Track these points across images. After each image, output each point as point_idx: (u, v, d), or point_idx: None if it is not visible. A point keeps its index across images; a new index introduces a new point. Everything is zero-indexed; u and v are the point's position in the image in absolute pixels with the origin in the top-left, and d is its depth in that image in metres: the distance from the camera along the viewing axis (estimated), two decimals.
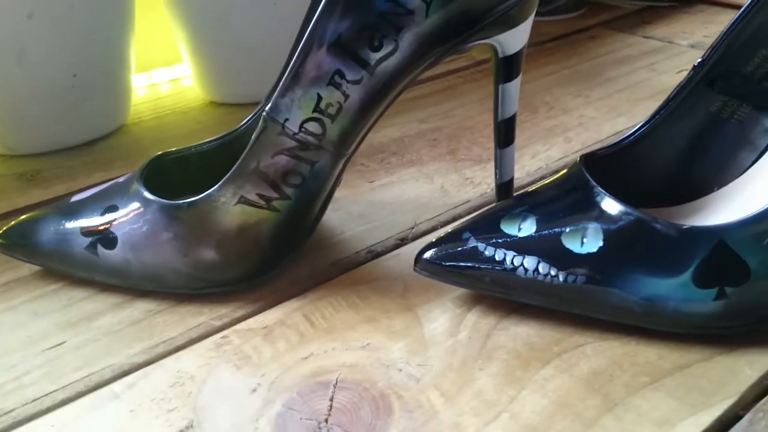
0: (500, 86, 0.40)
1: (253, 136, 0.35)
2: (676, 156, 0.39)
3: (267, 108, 0.35)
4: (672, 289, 0.32)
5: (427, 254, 0.36)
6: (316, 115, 0.35)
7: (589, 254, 0.33)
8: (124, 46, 0.56)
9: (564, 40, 0.75)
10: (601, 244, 0.33)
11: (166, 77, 0.69)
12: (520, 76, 0.40)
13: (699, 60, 0.37)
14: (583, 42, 0.75)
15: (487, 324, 0.35)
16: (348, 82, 0.34)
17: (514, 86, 0.40)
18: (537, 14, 0.82)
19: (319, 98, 0.34)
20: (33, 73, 0.50)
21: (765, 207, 0.31)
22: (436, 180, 0.49)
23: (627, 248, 0.32)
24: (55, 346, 0.35)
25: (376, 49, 0.34)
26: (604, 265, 0.33)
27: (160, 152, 0.41)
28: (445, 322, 0.36)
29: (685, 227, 0.32)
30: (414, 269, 0.36)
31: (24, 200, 0.49)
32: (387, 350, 0.34)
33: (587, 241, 0.33)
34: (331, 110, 0.35)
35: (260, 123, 0.35)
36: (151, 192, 0.38)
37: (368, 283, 0.39)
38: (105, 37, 0.54)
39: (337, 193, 0.47)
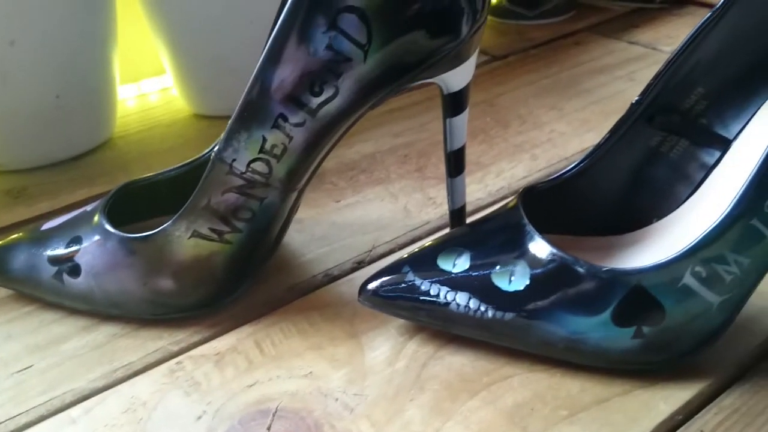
0: (447, 120, 0.41)
1: (203, 176, 0.37)
2: (617, 188, 0.40)
3: (215, 149, 0.37)
4: (592, 327, 0.33)
5: (370, 286, 0.38)
6: (261, 155, 0.36)
7: (516, 292, 0.35)
8: (107, 63, 0.58)
9: (548, 46, 0.76)
10: (527, 282, 0.34)
11: (155, 87, 0.71)
12: (467, 109, 0.42)
13: (637, 98, 0.39)
14: (566, 48, 0.75)
15: (425, 353, 0.37)
16: (291, 125, 0.36)
17: (461, 120, 0.41)
18: (526, 18, 0.83)
19: (264, 140, 0.36)
20: (16, 95, 0.53)
21: (679, 252, 0.32)
22: (400, 199, 0.51)
23: (551, 288, 0.34)
24: (23, 370, 0.38)
25: (317, 95, 0.35)
26: (530, 303, 0.34)
27: (126, 181, 0.43)
28: (386, 350, 0.38)
29: (604, 269, 0.33)
30: (358, 300, 0.38)
31: (10, 218, 0.51)
32: (328, 379, 0.36)
33: (515, 280, 0.35)
34: (277, 151, 0.36)
35: (209, 163, 0.37)
36: (120, 218, 0.41)
37: (320, 309, 0.41)
38: (87, 58, 0.56)
39: (303, 214, 0.50)
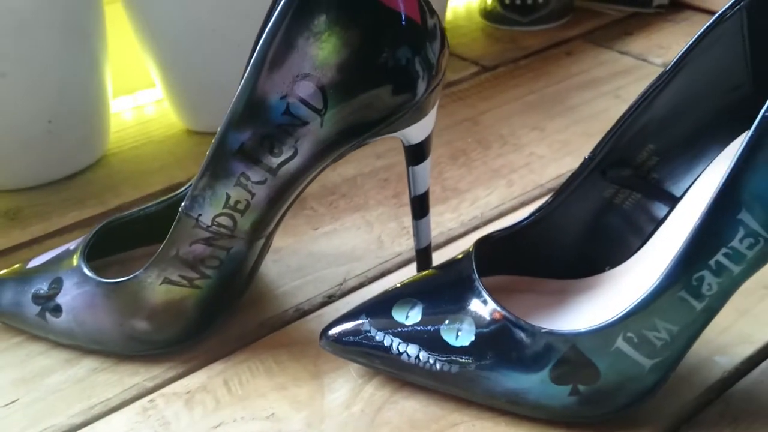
0: (410, 168, 0.43)
1: (172, 227, 0.39)
2: (572, 237, 0.42)
3: (182, 205, 0.39)
4: (532, 383, 0.35)
5: (330, 332, 0.40)
6: (226, 210, 0.38)
7: (462, 347, 0.37)
8: (99, 86, 0.60)
9: (539, 56, 0.77)
10: (472, 339, 0.36)
11: (150, 98, 0.73)
12: (430, 157, 0.43)
13: (589, 154, 0.40)
14: (557, 59, 0.76)
15: (381, 397, 0.39)
16: (253, 182, 0.38)
17: (424, 168, 0.43)
18: (520, 24, 0.84)
19: (228, 197, 0.38)
20: (8, 122, 0.55)
21: (612, 319, 0.34)
22: (375, 228, 0.53)
23: (494, 346, 0.36)
24: (8, 404, 0.41)
25: (277, 155, 0.37)
26: (475, 358, 0.36)
27: (106, 221, 0.45)
28: (345, 393, 0.40)
29: (543, 331, 0.35)
30: (319, 344, 0.40)
31: (5, 242, 0.54)
32: (288, 421, 0.38)
33: (461, 336, 0.37)
34: (240, 206, 0.38)
35: (177, 216, 0.39)
36: (101, 250, 0.43)
37: (288, 346, 0.43)
38: (78, 84, 0.58)
39: (282, 242, 0.52)
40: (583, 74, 0.73)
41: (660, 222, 0.40)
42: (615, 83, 0.70)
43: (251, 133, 0.37)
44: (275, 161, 0.37)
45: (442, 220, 0.53)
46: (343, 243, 0.52)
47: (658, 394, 0.37)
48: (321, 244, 0.52)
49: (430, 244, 0.46)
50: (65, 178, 0.61)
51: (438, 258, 0.48)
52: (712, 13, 0.36)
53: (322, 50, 0.35)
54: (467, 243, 0.43)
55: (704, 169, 0.39)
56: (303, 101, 0.36)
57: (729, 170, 0.31)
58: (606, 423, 0.36)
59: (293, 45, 0.35)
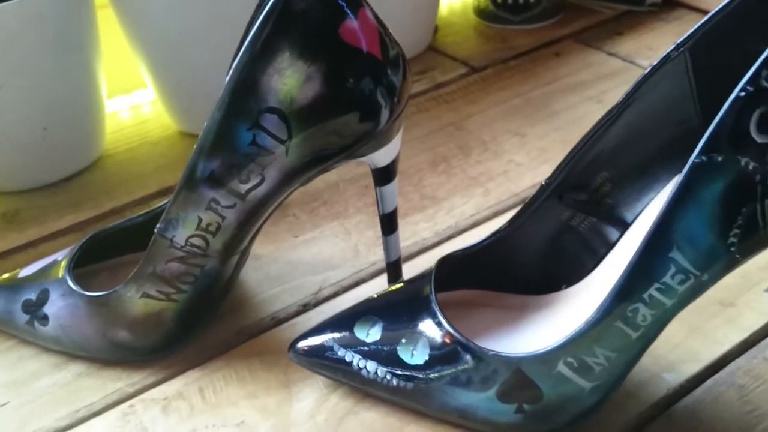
0: (378, 188, 0.45)
1: (148, 247, 0.42)
2: (531, 256, 0.44)
3: (157, 227, 0.41)
4: (481, 401, 0.38)
5: (298, 345, 0.42)
6: (198, 232, 0.41)
7: (416, 365, 0.39)
8: (94, 92, 0.62)
9: (528, 57, 0.78)
10: (426, 358, 0.39)
11: (147, 98, 0.75)
12: (396, 178, 0.45)
13: (546, 179, 0.42)
14: (545, 60, 0.77)
15: (344, 407, 0.42)
16: (223, 207, 0.40)
17: (391, 188, 0.45)
18: (512, 23, 0.85)
19: (200, 220, 0.40)
20: (3, 131, 0.57)
21: (554, 345, 0.36)
22: (353, 237, 0.55)
23: (445, 365, 0.38)
24: (1, 406, 0.44)
25: (245, 182, 0.39)
26: (428, 376, 0.39)
27: (93, 232, 0.48)
28: (311, 402, 0.42)
29: (491, 354, 0.37)
30: (288, 356, 0.43)
31: (2, 245, 0.57)
32: (256, 429, 0.41)
33: (416, 354, 0.39)
34: (212, 228, 0.41)
35: (153, 237, 0.41)
36: (89, 258, 0.46)
37: (262, 355, 0.46)
38: (73, 92, 0.60)
39: (262, 249, 0.54)
40: (570, 77, 0.74)
41: (612, 245, 0.42)
42: (600, 87, 0.72)
43: (220, 161, 0.39)
44: (243, 187, 0.40)
45: (417, 229, 0.55)
46: (321, 251, 0.54)
47: (603, 409, 0.39)
48: (300, 251, 0.54)
49: (399, 258, 0.48)
50: (61, 181, 0.63)
51: (410, 268, 0.50)
52: (705, 12, 0.37)
53: (285, 85, 0.37)
54: (440, 253, 0.45)
55: (654, 197, 0.41)
56: (268, 132, 0.38)
57: (661, 211, 0.33)
58: None
59: (258, 81, 0.37)
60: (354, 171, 0.62)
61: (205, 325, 0.47)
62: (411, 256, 0.53)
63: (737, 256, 0.33)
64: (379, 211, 0.46)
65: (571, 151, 0.41)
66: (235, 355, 0.46)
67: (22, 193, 0.62)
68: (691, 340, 0.44)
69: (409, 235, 0.55)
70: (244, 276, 0.52)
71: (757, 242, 0.33)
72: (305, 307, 0.49)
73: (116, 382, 0.45)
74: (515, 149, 0.63)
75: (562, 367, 0.36)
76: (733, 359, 0.43)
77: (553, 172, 0.41)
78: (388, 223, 0.46)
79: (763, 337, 0.44)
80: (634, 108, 0.39)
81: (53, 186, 0.63)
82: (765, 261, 0.49)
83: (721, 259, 0.33)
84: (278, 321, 0.48)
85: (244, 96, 0.37)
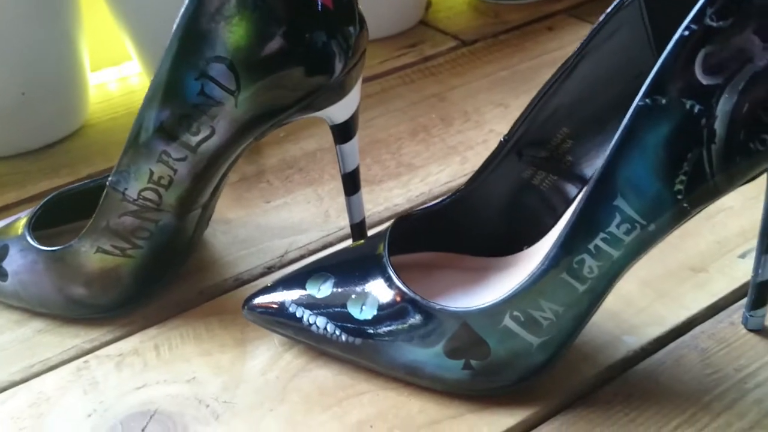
0: (338, 146, 0.44)
1: (101, 200, 0.41)
2: (492, 216, 0.43)
3: (109, 179, 0.41)
4: (428, 357, 0.37)
5: (252, 302, 0.42)
6: (150, 185, 0.40)
7: (365, 320, 0.38)
8: (74, 58, 0.62)
9: (520, 31, 0.77)
10: (375, 313, 0.38)
11: (136, 70, 0.75)
12: (357, 135, 0.44)
13: (505, 135, 0.41)
14: (536, 34, 0.76)
15: (296, 365, 0.41)
16: (174, 159, 0.40)
17: (351, 146, 0.44)
18: None
19: (151, 172, 0.40)
20: None
21: (499, 298, 0.35)
22: (324, 203, 0.54)
23: (393, 320, 0.37)
24: None
25: (195, 134, 0.39)
26: (376, 332, 0.38)
27: (55, 192, 0.48)
28: (264, 360, 0.42)
29: (437, 308, 0.36)
30: (242, 313, 0.42)
31: None
32: (207, 385, 0.41)
33: (365, 310, 0.38)
34: (164, 182, 0.40)
35: (105, 190, 0.41)
36: (52, 220, 0.46)
37: (220, 314, 0.45)
38: (52, 55, 0.60)
39: (233, 214, 0.54)
40: (560, 50, 0.72)
41: (572, 202, 0.41)
42: None
43: (169, 112, 0.38)
44: (194, 140, 0.39)
45: (390, 195, 0.55)
46: (291, 216, 0.53)
47: (559, 370, 0.39)
48: (270, 216, 0.54)
49: (364, 220, 0.48)
50: (43, 148, 0.63)
51: None
52: None
53: (233, 33, 0.37)
54: None
55: None
56: (216, 82, 0.38)
57: (605, 158, 0.32)
58: (504, 395, 0.38)
59: (206, 28, 0.36)
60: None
61: (166, 284, 0.47)
62: (381, 221, 0.52)
63: (685, 205, 0.32)
64: (341, 171, 0.45)
65: (528, 106, 0.39)
66: (194, 314, 0.46)
67: (5, 159, 0.62)
68: (657, 304, 0.43)
69: (381, 201, 0.54)
70: (211, 239, 0.51)
71: (706, 192, 0.32)
72: (270, 270, 0.49)
73: (74, 338, 0.45)
74: (497, 119, 0.62)
75: (508, 321, 0.35)
76: (699, 323, 0.42)
77: (511, 128, 0.40)
78: (351, 183, 0.46)
79: (732, 302, 0.43)
80: (591, 59, 0.37)
81: (35, 152, 0.63)
82: (742, 227, 0.48)
83: (667, 208, 0.32)
84: (241, 282, 0.48)
85: (191, 44, 0.37)
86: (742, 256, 0.46)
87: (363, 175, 0.57)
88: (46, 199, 0.47)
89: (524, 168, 0.42)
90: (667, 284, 0.44)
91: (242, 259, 0.50)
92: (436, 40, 0.76)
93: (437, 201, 0.43)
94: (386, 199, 0.54)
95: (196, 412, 0.39)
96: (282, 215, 0.54)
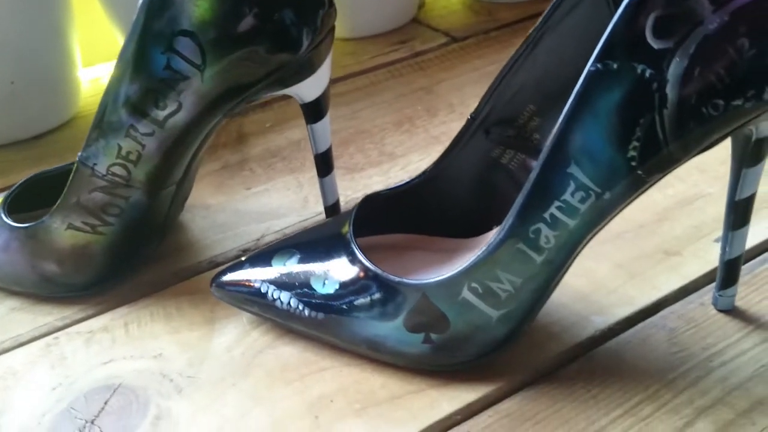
0: (309, 126, 0.44)
1: (70, 176, 0.42)
2: (461, 196, 0.43)
3: (79, 154, 0.41)
4: (389, 331, 0.37)
5: (219, 279, 0.42)
6: (119, 161, 0.41)
7: (327, 295, 0.38)
8: (64, 49, 0.63)
9: (511, 28, 0.77)
10: (337, 287, 0.38)
11: None
12: (328, 115, 0.44)
13: (472, 113, 0.41)
14: (528, 31, 0.75)
15: (263, 343, 0.41)
16: (141, 134, 0.40)
17: (322, 126, 0.44)
18: None
19: (120, 147, 0.40)
20: None
21: (457, 270, 0.35)
22: (305, 189, 0.54)
23: (355, 294, 0.37)
24: None
25: (162, 108, 0.39)
26: (338, 305, 0.38)
27: (33, 174, 0.48)
28: (232, 337, 0.42)
29: (397, 280, 0.36)
30: (210, 290, 0.42)
31: None
32: (173, 361, 0.41)
33: (327, 284, 0.38)
34: (132, 157, 0.41)
35: (75, 166, 0.41)
36: (29, 205, 0.46)
37: (192, 294, 0.45)
38: (42, 45, 0.61)
39: (213, 199, 0.54)
40: None
41: None
42: None
43: (137, 86, 0.39)
44: (161, 114, 0.39)
45: (369, 182, 0.55)
46: (271, 202, 0.54)
47: (523, 347, 0.38)
48: (250, 202, 0.54)
49: (338, 201, 0.48)
50: (32, 138, 0.64)
51: None
52: None
53: (198, 7, 0.37)
54: None
55: None
56: (182, 56, 0.38)
57: (558, 124, 0.32)
58: (466, 371, 0.37)
59: (171, 1, 0.37)
60: None
61: (141, 266, 0.47)
62: None
63: (640, 173, 0.32)
64: (313, 151, 0.46)
65: (493, 81, 0.39)
66: (166, 294, 0.46)
67: None
68: (628, 285, 0.42)
69: (361, 188, 0.54)
70: (189, 223, 0.52)
71: (661, 159, 0.31)
72: (245, 253, 0.49)
73: (47, 316, 0.45)
74: None
75: (467, 293, 0.35)
76: (669, 305, 0.41)
77: (478, 105, 0.40)
78: (324, 164, 0.46)
79: (704, 285, 0.42)
80: (554, 34, 0.37)
81: (24, 142, 0.64)
82: (719, 213, 0.47)
83: (622, 176, 0.32)
84: (216, 264, 0.48)
85: (157, 18, 0.37)
86: (718, 240, 0.45)
87: (345, 163, 0.57)
88: (23, 180, 0.47)
89: (493, 147, 0.42)
90: (640, 266, 0.44)
91: (219, 243, 0.50)
92: (427, 36, 0.76)
93: (406, 181, 0.43)
94: (365, 186, 0.54)
95: (160, 386, 0.39)
96: (261, 201, 0.54)
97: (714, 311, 0.40)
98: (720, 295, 0.40)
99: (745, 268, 0.42)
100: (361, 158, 0.58)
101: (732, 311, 0.40)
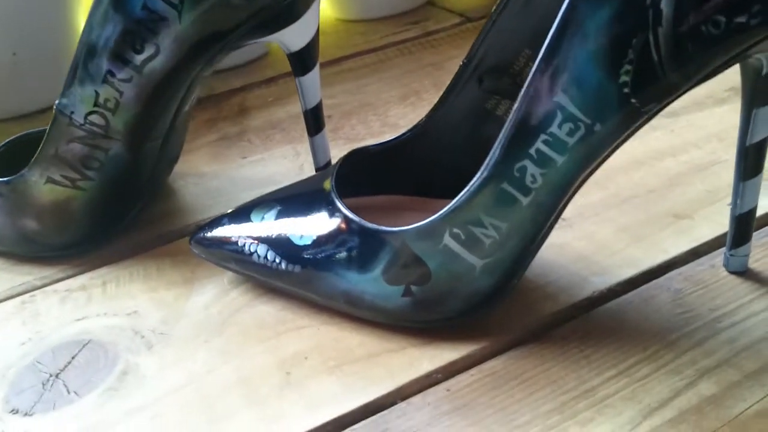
0: (297, 79, 0.42)
1: (49, 126, 0.40)
2: (455, 153, 0.40)
3: (56, 102, 0.40)
4: (367, 284, 0.34)
5: (198, 234, 0.40)
6: (96, 109, 0.39)
7: (304, 246, 0.36)
8: (68, 22, 0.63)
9: None
10: (314, 238, 0.36)
11: None
12: (317, 67, 0.42)
13: (464, 59, 0.38)
14: None
15: (241, 301, 0.39)
16: (119, 80, 0.38)
17: (311, 79, 0.42)
18: None
19: (97, 94, 0.39)
20: None
21: (438, 215, 0.32)
22: (301, 158, 0.53)
23: (332, 244, 0.35)
24: None
25: (139, 52, 0.38)
26: (314, 256, 0.35)
27: (17, 135, 0.47)
28: (210, 296, 0.40)
29: (373, 228, 0.34)
30: (189, 245, 0.40)
31: None
32: (147, 318, 0.39)
33: (304, 236, 0.36)
34: (110, 105, 0.39)
35: (53, 114, 0.40)
36: (15, 167, 0.45)
37: (174, 256, 0.44)
38: (45, 17, 0.60)
39: (208, 168, 0.53)
40: None
41: None
42: None
43: (113, 28, 0.37)
44: (139, 58, 0.38)
45: None
46: (266, 170, 0.52)
47: (514, 307, 0.36)
48: (245, 170, 0.52)
49: (329, 162, 0.46)
50: (35, 112, 0.63)
51: None
52: None
53: None
54: None
55: None
56: None
57: (543, 47, 0.29)
58: (451, 329, 0.35)
59: None
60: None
61: (126, 229, 0.45)
62: None
63: (634, 101, 0.29)
64: (302, 107, 0.44)
65: (485, 24, 0.37)
66: (148, 256, 0.44)
67: None
68: (633, 247, 0.39)
69: None
70: (182, 189, 0.50)
71: (657, 86, 0.29)
72: None
73: (26, 276, 0.43)
74: None
75: (448, 240, 0.32)
76: (677, 267, 0.38)
77: (470, 49, 0.38)
78: (314, 120, 0.44)
79: (716, 248, 0.39)
80: None
81: (27, 116, 0.63)
82: None
83: (614, 105, 0.29)
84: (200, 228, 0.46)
85: None
86: None
87: (346, 134, 0.55)
88: (9, 139, 0.46)
89: (487, 97, 0.39)
90: (647, 229, 0.41)
91: (209, 208, 0.48)
92: (440, 17, 0.74)
93: (397, 135, 0.40)
94: None
95: (130, 342, 0.37)
96: (257, 169, 0.52)
97: (725, 273, 0.37)
98: (731, 255, 0.36)
99: (760, 233, 0.39)
100: (362, 129, 0.56)
101: (744, 273, 0.37)
